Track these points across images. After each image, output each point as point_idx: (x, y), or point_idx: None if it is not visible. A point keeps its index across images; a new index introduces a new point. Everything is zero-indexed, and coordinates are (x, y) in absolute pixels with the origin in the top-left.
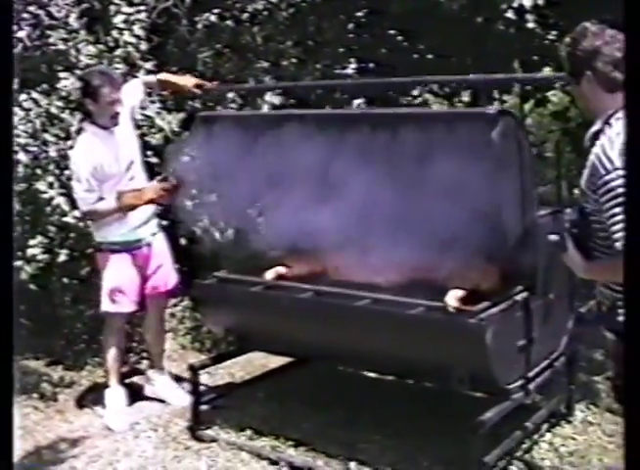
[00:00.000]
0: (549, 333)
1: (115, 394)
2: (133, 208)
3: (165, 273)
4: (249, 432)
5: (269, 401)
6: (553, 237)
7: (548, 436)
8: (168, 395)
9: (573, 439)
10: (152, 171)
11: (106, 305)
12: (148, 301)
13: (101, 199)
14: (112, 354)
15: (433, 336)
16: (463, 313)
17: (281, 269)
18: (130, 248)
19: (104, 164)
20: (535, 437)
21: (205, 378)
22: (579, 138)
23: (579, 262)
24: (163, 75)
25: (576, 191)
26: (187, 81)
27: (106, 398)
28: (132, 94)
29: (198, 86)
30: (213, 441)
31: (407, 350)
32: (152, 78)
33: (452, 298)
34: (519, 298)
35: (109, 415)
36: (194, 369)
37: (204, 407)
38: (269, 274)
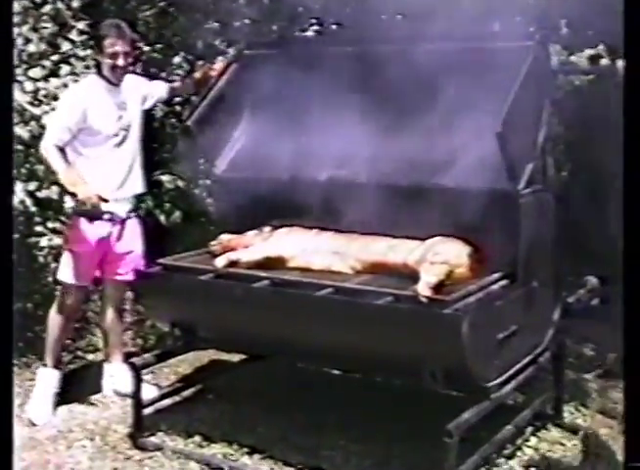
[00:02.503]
0: (532, 325)
1: (48, 377)
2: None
3: (133, 260)
4: (197, 438)
5: (220, 403)
6: None
7: (533, 440)
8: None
9: (562, 444)
10: None
11: (63, 274)
12: (108, 286)
13: (62, 151)
14: (55, 332)
15: (402, 328)
16: (436, 303)
17: (233, 256)
18: (98, 217)
19: (93, 114)
20: (519, 441)
21: (148, 378)
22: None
23: None
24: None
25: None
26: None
27: (37, 379)
28: (156, 88)
29: None
30: (158, 449)
31: (374, 344)
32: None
33: (424, 286)
34: (498, 286)
35: (34, 402)
36: (135, 368)
37: (147, 411)
38: (220, 261)
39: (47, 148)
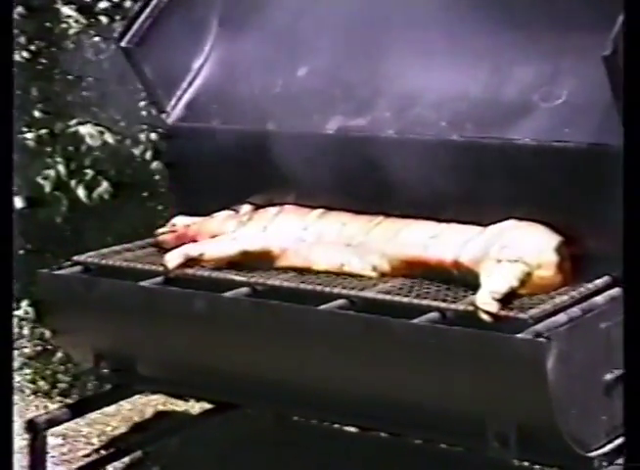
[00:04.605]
0: None
1: None
2: None
3: None
4: None
5: None
6: None
7: None
8: None
9: None
10: None
11: None
12: None
13: None
14: None
15: (452, 362)
16: (505, 323)
17: (192, 250)
18: None
19: None
20: None
21: (56, 443)
22: None
23: None
24: None
25: None
26: None
27: None
28: None
29: None
30: None
31: (409, 385)
32: None
33: (486, 296)
34: (603, 297)
35: None
36: (35, 428)
37: None
38: (173, 258)
39: None
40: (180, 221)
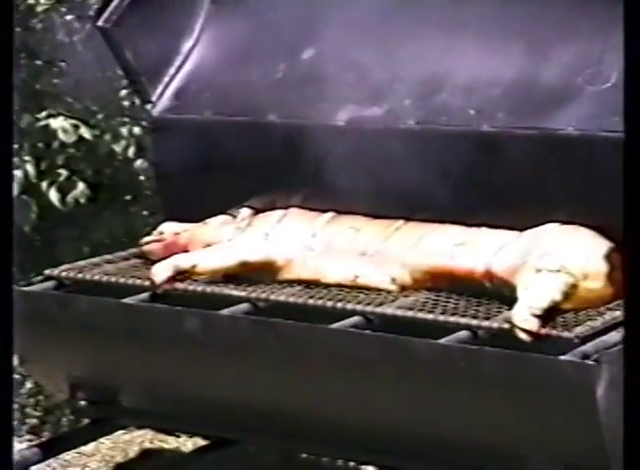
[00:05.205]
0: None
1: None
2: None
3: None
4: None
5: None
6: None
7: None
8: None
9: None
10: None
11: None
12: None
13: None
14: None
15: (484, 388)
16: (547, 344)
17: (183, 261)
18: None
19: None
20: None
21: None
22: None
23: None
24: None
25: None
26: None
27: None
28: None
29: None
30: None
31: (432, 416)
32: None
33: (524, 312)
34: None
35: None
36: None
37: None
38: (161, 270)
39: None
40: (169, 228)
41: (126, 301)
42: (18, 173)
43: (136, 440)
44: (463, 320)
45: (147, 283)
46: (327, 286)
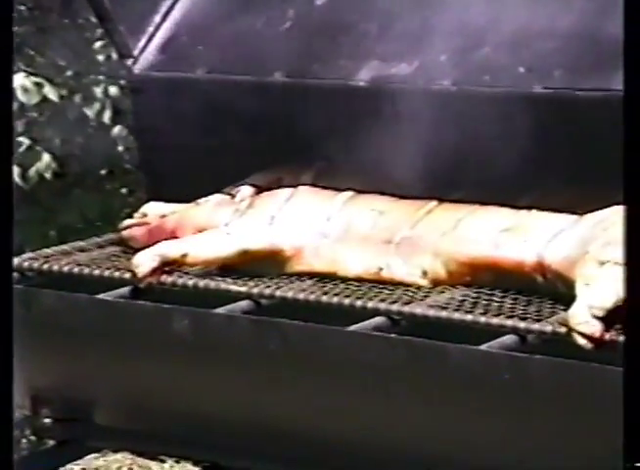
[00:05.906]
0: None
1: None
2: None
3: None
4: None
5: None
6: None
7: None
8: None
9: None
10: None
11: None
12: None
13: None
14: None
15: (534, 402)
16: (609, 350)
17: (171, 249)
18: None
19: None
20: None
21: None
22: None
23: None
24: None
25: None
26: None
27: None
28: None
29: None
30: None
31: (469, 434)
32: None
33: (584, 313)
34: None
35: None
36: None
37: None
38: (144, 260)
39: None
40: (153, 210)
41: (102, 296)
42: None
43: (112, 465)
44: (509, 322)
45: (127, 275)
46: (344, 280)
